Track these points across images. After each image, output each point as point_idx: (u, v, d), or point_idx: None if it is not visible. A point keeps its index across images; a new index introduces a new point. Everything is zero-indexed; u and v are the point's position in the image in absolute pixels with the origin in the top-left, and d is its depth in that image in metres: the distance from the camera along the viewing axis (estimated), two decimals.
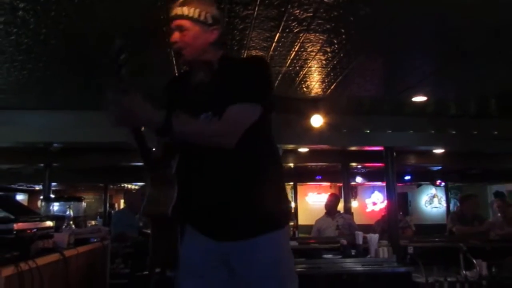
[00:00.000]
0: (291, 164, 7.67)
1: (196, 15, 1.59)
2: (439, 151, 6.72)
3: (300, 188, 10.69)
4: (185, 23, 1.60)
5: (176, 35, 1.62)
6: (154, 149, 1.65)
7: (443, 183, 10.65)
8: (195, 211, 1.61)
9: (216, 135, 1.50)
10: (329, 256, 4.66)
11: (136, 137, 1.53)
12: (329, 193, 6.28)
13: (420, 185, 12.14)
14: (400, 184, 9.02)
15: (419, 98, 4.67)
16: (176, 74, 1.73)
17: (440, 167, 8.67)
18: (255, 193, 1.57)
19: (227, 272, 1.59)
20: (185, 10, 1.60)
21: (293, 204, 10.01)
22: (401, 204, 8.94)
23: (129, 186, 11.48)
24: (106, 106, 1.42)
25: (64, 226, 2.81)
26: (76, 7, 2.66)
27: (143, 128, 1.52)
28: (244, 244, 1.56)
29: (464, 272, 3.94)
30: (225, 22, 1.79)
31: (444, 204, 11.79)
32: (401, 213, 6.24)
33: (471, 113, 5.39)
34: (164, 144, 1.67)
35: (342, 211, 6.47)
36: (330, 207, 5.64)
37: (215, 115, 1.54)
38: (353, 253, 4.63)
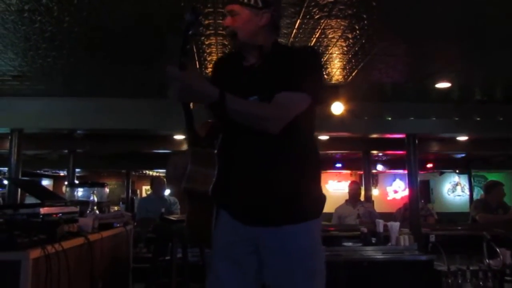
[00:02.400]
0: None
1: None
2: (463, 138, 6.60)
3: None
4: (236, 7, 1.60)
5: (228, 20, 1.63)
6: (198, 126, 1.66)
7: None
8: (229, 191, 1.60)
9: (264, 118, 1.50)
10: (349, 244, 4.65)
11: (185, 110, 1.54)
12: (350, 181, 6.24)
13: (443, 172, 11.95)
14: (422, 172, 8.90)
15: (443, 84, 4.57)
16: (226, 54, 1.72)
17: (464, 155, 8.51)
18: (292, 180, 1.57)
19: (257, 262, 1.58)
20: None
21: None
22: (423, 192, 8.81)
23: (151, 172, 11.64)
24: (166, 80, 1.42)
25: (88, 211, 2.87)
26: None
27: (192, 105, 1.54)
28: (275, 231, 1.55)
29: (487, 260, 3.87)
30: (280, 5, 1.75)
31: (467, 192, 11.59)
32: (422, 201, 6.16)
33: (497, 99, 5.25)
34: (209, 124, 1.69)
35: (362, 199, 6.43)
36: (353, 195, 5.61)
37: (261, 100, 1.54)
38: (373, 241, 4.60)
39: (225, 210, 1.64)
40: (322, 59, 1.67)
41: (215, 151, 1.60)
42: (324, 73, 1.57)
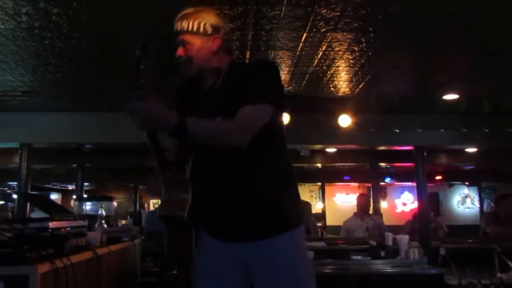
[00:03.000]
0: (319, 164, 7.61)
1: (195, 28, 1.63)
2: (471, 150, 6.54)
3: (328, 188, 10.60)
4: (186, 37, 1.65)
5: (180, 50, 1.68)
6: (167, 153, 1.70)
7: None
8: (206, 213, 1.63)
9: (229, 134, 1.53)
10: (358, 257, 4.61)
11: (151, 139, 1.59)
12: (358, 194, 6.20)
13: (452, 185, 11.83)
14: (431, 184, 8.82)
15: (451, 96, 4.55)
16: (184, 82, 1.77)
17: (473, 167, 8.43)
18: (267, 194, 1.58)
19: (245, 273, 1.60)
20: (184, 25, 1.65)
21: (321, 205, 9.95)
22: (432, 204, 8.74)
23: None
24: (126, 111, 1.52)
25: (96, 225, 2.88)
26: (106, 12, 2.73)
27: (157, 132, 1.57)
28: (257, 245, 1.56)
29: (499, 274, 3.82)
30: (229, 27, 1.81)
31: (477, 204, 11.45)
32: (432, 213, 6.10)
33: (506, 110, 5.22)
34: (178, 148, 1.71)
35: (371, 212, 6.37)
36: (362, 207, 5.56)
37: (227, 117, 1.57)
38: (382, 254, 4.56)
39: (205, 230, 1.65)
40: (277, 67, 1.76)
41: (187, 175, 1.62)
42: (281, 80, 1.56)
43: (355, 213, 5.58)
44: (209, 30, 1.64)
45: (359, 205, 5.58)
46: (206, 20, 1.65)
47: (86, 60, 3.57)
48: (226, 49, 1.70)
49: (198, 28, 1.63)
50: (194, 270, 1.67)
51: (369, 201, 5.84)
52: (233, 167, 1.57)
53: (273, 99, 1.60)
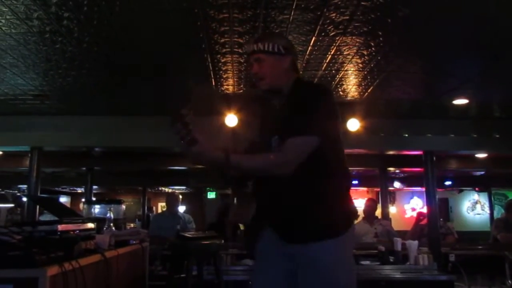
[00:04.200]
0: None
1: (270, 48, 1.85)
2: (482, 155, 6.48)
3: None
4: (262, 56, 1.86)
5: (255, 67, 1.88)
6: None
7: None
8: (270, 219, 1.93)
9: (271, 168, 1.77)
10: (367, 262, 4.57)
11: (218, 172, 1.84)
12: (366, 198, 6.16)
13: (462, 190, 11.73)
14: (440, 190, 8.74)
15: (461, 101, 4.52)
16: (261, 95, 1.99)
17: (483, 172, 8.35)
18: (314, 205, 1.79)
19: (292, 266, 1.82)
20: (260, 46, 1.86)
21: None
22: (441, 210, 8.65)
23: (167, 189, 11.69)
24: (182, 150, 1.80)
25: (105, 228, 2.88)
26: (117, 16, 2.75)
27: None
28: (304, 248, 1.78)
29: (510, 281, 3.77)
30: (296, 50, 2.20)
31: (487, 210, 11.33)
32: (441, 219, 6.04)
33: None
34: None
35: (380, 217, 6.33)
36: (369, 213, 5.53)
37: (281, 140, 1.77)
38: (391, 260, 4.52)
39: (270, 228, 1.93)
40: (331, 95, 1.89)
41: (251, 190, 1.98)
42: (335, 107, 1.82)
43: (363, 218, 5.55)
44: (282, 50, 1.86)
45: (365, 210, 5.55)
46: (279, 41, 1.88)
47: (96, 64, 3.60)
48: (294, 67, 1.92)
49: (273, 48, 1.85)
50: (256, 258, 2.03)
51: (376, 206, 5.79)
52: (284, 184, 1.77)
53: (317, 131, 1.74)
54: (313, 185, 1.78)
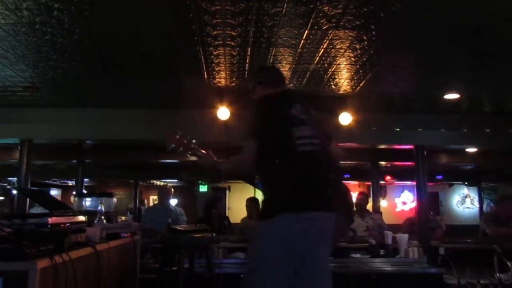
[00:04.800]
0: None
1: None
2: (472, 150, 6.53)
3: None
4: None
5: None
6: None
7: None
8: None
9: (236, 168, 2.52)
10: (358, 255, 4.60)
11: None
12: (358, 192, 6.19)
13: (452, 184, 11.84)
14: (431, 184, 8.81)
15: (452, 96, 4.55)
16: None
17: (473, 167, 8.42)
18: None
19: None
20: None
21: None
22: (432, 204, 8.74)
23: (159, 182, 11.66)
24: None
25: (96, 221, 2.87)
26: (108, 7, 2.72)
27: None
28: None
29: (498, 275, 3.82)
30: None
31: (477, 204, 11.46)
32: (431, 213, 6.09)
33: (507, 111, 5.21)
34: None
35: (371, 210, 6.36)
36: (360, 206, 5.55)
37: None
38: (382, 253, 4.56)
39: None
40: (256, 107, 2.54)
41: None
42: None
43: (355, 212, 5.57)
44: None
45: (356, 203, 5.57)
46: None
47: (87, 56, 3.56)
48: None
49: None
50: None
51: (367, 199, 5.80)
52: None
53: (251, 135, 2.34)
54: (259, 175, 2.46)
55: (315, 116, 2.43)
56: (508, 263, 3.79)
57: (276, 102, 2.44)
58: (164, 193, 5.63)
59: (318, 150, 2.34)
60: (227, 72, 3.94)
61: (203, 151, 2.61)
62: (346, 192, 2.64)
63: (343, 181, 2.81)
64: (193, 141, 2.66)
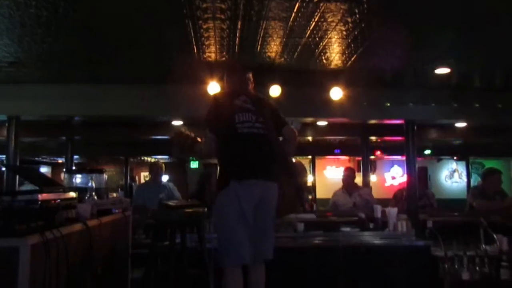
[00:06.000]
0: (310, 138, 7.62)
1: None
2: (461, 125, 6.59)
3: (318, 161, 10.64)
4: None
5: None
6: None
7: None
8: None
9: (206, 150, 2.97)
10: (347, 229, 4.67)
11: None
12: (344, 167, 6.20)
13: (441, 159, 11.96)
14: (420, 158, 8.89)
15: (443, 70, 4.55)
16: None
17: (462, 142, 8.50)
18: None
19: None
20: None
21: (311, 178, 10.01)
22: (421, 178, 8.83)
23: (149, 159, 11.62)
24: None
25: (86, 197, 2.86)
26: None
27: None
28: None
29: (484, 246, 3.91)
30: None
31: (465, 179, 11.62)
32: (423, 186, 6.10)
33: (497, 86, 5.24)
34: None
35: (361, 185, 6.41)
36: (347, 182, 5.59)
37: None
38: (371, 227, 4.63)
39: None
40: (212, 101, 3.15)
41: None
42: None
43: (342, 187, 5.61)
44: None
45: (343, 180, 5.61)
46: None
47: (73, 31, 3.48)
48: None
49: None
50: None
51: (354, 175, 5.77)
52: None
53: (207, 126, 2.92)
54: (219, 157, 2.96)
55: (260, 105, 2.98)
56: (494, 236, 3.87)
57: (225, 96, 3.14)
58: (156, 169, 5.62)
59: (260, 133, 2.88)
60: (217, 47, 3.89)
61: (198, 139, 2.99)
62: (296, 171, 3.08)
63: (295, 161, 3.26)
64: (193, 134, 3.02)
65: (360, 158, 7.90)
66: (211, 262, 3.27)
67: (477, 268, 3.85)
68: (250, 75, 3.18)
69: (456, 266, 3.87)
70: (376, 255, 4.09)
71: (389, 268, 4.00)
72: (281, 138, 3.06)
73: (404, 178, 6.69)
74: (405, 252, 4.15)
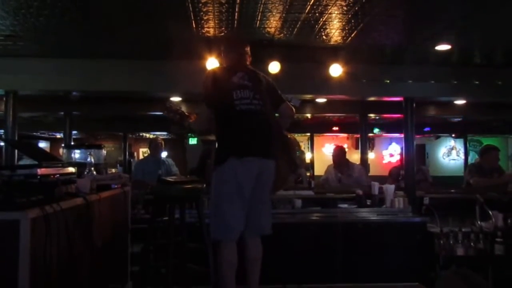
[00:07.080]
0: (308, 115, 7.61)
1: None
2: (460, 102, 6.57)
3: (317, 139, 10.66)
4: None
5: None
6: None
7: None
8: None
9: (200, 125, 3.10)
10: (345, 205, 4.72)
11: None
12: (334, 146, 6.18)
13: (439, 137, 11.98)
14: (418, 136, 8.90)
15: (443, 47, 4.51)
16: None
17: (460, 119, 8.50)
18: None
19: None
20: None
21: (309, 155, 10.05)
22: (419, 156, 8.86)
23: (148, 135, 11.62)
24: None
25: (85, 172, 2.88)
26: None
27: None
28: None
29: (479, 223, 3.95)
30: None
31: (462, 156, 11.67)
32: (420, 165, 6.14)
33: (496, 63, 5.20)
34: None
35: (358, 163, 6.43)
36: (337, 162, 5.59)
37: None
38: (368, 203, 4.68)
39: None
40: (207, 75, 3.05)
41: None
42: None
43: (334, 166, 5.62)
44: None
45: (333, 159, 5.62)
46: None
47: (70, 4, 3.42)
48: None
49: None
50: None
51: (344, 154, 5.76)
52: None
53: (204, 100, 2.94)
54: (217, 131, 2.93)
55: (257, 81, 2.97)
56: (490, 212, 3.92)
57: (223, 72, 3.09)
58: (155, 145, 5.63)
59: (258, 109, 2.86)
60: (216, 21, 3.84)
61: (187, 114, 3.10)
62: (290, 146, 3.08)
63: (290, 137, 3.16)
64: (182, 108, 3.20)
65: (358, 135, 7.91)
66: (209, 237, 3.32)
67: (471, 244, 3.91)
68: (248, 48, 3.14)
69: (451, 242, 3.93)
70: (373, 231, 4.15)
71: (386, 244, 4.07)
72: (277, 115, 3.05)
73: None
74: (401, 228, 4.20)
